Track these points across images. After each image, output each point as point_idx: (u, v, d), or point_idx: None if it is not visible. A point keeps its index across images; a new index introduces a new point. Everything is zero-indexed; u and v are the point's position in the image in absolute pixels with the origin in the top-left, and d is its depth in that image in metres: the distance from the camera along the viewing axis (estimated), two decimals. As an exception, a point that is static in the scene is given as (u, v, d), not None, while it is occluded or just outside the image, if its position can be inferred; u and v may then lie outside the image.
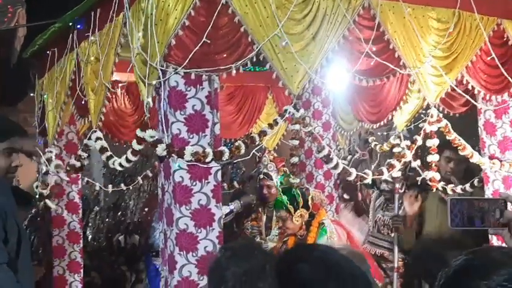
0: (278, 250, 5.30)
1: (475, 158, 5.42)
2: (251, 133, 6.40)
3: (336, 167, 5.03)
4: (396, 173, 5.63)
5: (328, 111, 7.21)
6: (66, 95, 5.62)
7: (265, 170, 6.04)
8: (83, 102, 5.26)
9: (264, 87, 7.60)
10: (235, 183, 6.76)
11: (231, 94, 7.46)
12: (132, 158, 4.67)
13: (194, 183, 4.25)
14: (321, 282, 1.79)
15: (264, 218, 6.11)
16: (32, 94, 6.64)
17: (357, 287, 1.83)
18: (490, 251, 1.54)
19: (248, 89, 7.56)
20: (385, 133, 6.98)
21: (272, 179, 5.99)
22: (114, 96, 6.39)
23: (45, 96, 6.12)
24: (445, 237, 3.44)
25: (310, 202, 5.27)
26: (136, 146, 4.49)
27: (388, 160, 5.57)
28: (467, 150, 5.36)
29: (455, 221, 2.22)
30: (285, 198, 5.18)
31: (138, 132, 4.41)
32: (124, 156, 4.73)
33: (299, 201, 5.22)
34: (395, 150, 5.62)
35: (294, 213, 5.20)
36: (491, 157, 5.59)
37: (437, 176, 5.37)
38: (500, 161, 5.53)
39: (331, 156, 5.01)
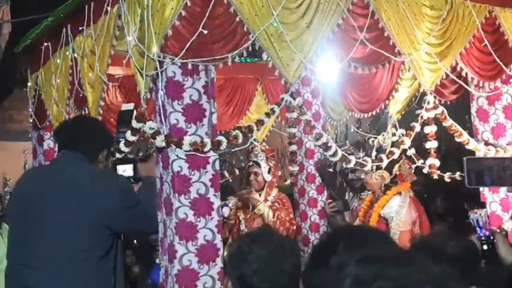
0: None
1: (471, 145, 5.47)
2: (242, 124, 6.40)
3: (334, 154, 5.06)
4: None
5: (318, 101, 7.19)
6: (68, 90, 5.60)
7: (254, 159, 6.04)
8: (81, 95, 5.26)
9: (254, 79, 7.59)
10: (236, 170, 6.75)
11: (221, 86, 7.42)
12: (125, 149, 4.64)
13: (193, 173, 4.26)
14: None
15: (251, 206, 6.11)
16: (24, 89, 6.59)
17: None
18: None
19: (237, 80, 7.54)
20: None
21: (260, 167, 5.98)
22: (106, 90, 6.37)
23: (41, 91, 6.10)
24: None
25: (395, 169, 5.39)
26: (130, 137, 4.47)
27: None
28: (463, 136, 5.41)
29: (470, 180, 2.26)
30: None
31: (135, 124, 4.41)
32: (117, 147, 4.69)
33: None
34: (394, 138, 5.64)
35: (376, 171, 5.34)
36: (486, 143, 5.64)
37: (437, 163, 5.42)
38: (494, 147, 5.59)
39: (329, 144, 5.03)
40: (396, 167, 5.36)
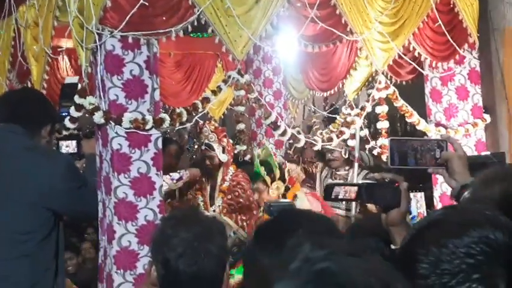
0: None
1: (422, 125, 5.41)
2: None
3: (283, 133, 4.97)
4: (351, 142, 5.63)
5: (279, 79, 7.14)
6: (9, 62, 5.40)
7: (206, 141, 5.91)
8: (24, 68, 5.08)
9: (213, 55, 7.43)
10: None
11: (179, 62, 7.28)
12: (71, 126, 4.49)
13: (133, 151, 4.12)
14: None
15: (208, 188, 5.98)
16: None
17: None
18: (470, 211, 1.44)
19: (197, 56, 7.38)
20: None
21: (214, 150, 5.86)
22: (56, 63, 6.18)
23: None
24: None
25: (286, 175, 5.22)
26: (75, 113, 4.32)
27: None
28: (414, 117, 5.34)
29: (394, 160, 2.23)
30: (262, 169, 5.09)
31: (77, 99, 4.25)
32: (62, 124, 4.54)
33: (276, 173, 5.16)
34: (348, 119, 5.57)
35: (271, 184, 5.14)
36: (437, 124, 5.58)
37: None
38: (446, 128, 5.52)
39: (278, 123, 4.95)
40: (286, 172, 5.21)
